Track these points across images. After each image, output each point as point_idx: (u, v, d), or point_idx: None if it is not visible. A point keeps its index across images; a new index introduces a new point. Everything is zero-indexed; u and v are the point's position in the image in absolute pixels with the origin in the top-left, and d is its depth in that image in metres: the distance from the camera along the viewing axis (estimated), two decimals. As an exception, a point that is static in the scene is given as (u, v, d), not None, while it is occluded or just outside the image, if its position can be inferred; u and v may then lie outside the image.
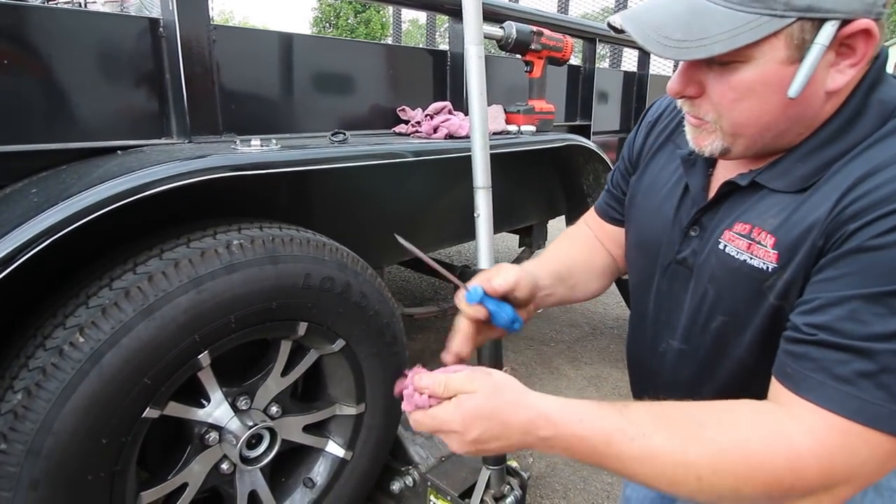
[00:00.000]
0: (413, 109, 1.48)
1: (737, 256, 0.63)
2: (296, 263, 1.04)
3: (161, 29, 1.03)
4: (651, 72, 2.56)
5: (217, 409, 1.07)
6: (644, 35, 0.58)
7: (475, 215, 1.19)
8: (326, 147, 1.15)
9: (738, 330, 0.64)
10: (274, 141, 1.06)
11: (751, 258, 0.61)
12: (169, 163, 0.89)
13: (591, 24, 2.05)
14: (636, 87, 2.53)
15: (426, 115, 1.45)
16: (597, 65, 2.12)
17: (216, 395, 1.07)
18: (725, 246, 0.64)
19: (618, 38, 2.25)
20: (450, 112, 1.46)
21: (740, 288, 0.63)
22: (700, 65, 0.59)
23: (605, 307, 3.15)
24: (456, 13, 1.51)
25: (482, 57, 1.12)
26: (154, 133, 1.08)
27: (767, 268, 0.59)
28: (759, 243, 0.61)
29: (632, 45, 2.47)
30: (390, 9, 5.70)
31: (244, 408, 1.12)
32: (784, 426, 0.51)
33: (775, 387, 0.55)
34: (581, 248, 0.92)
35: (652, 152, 0.81)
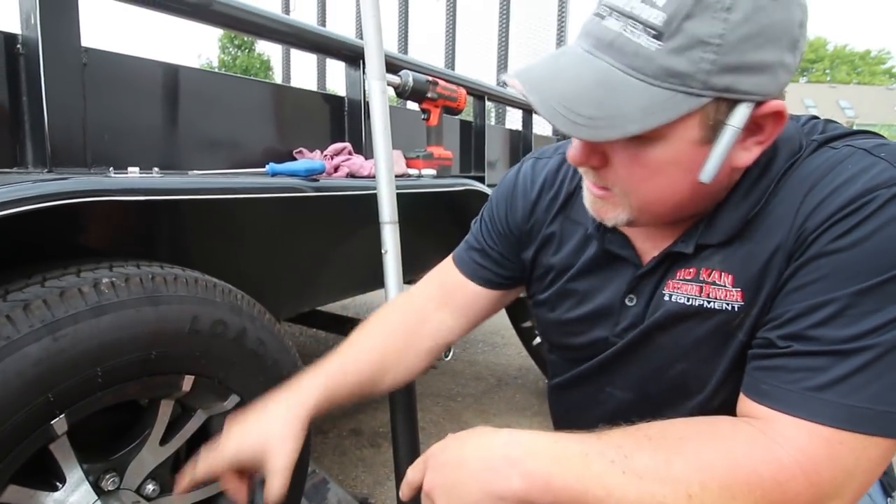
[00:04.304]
0: (311, 151, 1.43)
1: (689, 303, 0.60)
2: (181, 305, 0.91)
3: (19, 45, 0.91)
4: (534, 132, 2.76)
5: (75, 493, 0.87)
6: (550, 109, 0.51)
7: (382, 252, 1.15)
8: (215, 176, 1.06)
9: (701, 373, 0.62)
10: (156, 170, 0.95)
11: (708, 301, 0.59)
12: (10, 185, 0.74)
13: (480, 83, 2.17)
14: (522, 144, 2.70)
15: (325, 156, 1.41)
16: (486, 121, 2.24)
17: (74, 473, 0.87)
18: (671, 295, 0.62)
19: (504, 98, 2.40)
20: (350, 153, 1.43)
21: (700, 333, 0.60)
22: None
23: (507, 358, 3.17)
24: (351, 59, 1.52)
25: (385, 91, 1.12)
26: (5, 162, 0.92)
27: (733, 307, 0.57)
28: (713, 283, 0.58)
29: (517, 105, 2.65)
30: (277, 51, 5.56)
31: (111, 488, 0.92)
32: (765, 440, 0.49)
33: (748, 406, 0.52)
34: (401, 334, 0.84)
35: (546, 225, 0.77)
